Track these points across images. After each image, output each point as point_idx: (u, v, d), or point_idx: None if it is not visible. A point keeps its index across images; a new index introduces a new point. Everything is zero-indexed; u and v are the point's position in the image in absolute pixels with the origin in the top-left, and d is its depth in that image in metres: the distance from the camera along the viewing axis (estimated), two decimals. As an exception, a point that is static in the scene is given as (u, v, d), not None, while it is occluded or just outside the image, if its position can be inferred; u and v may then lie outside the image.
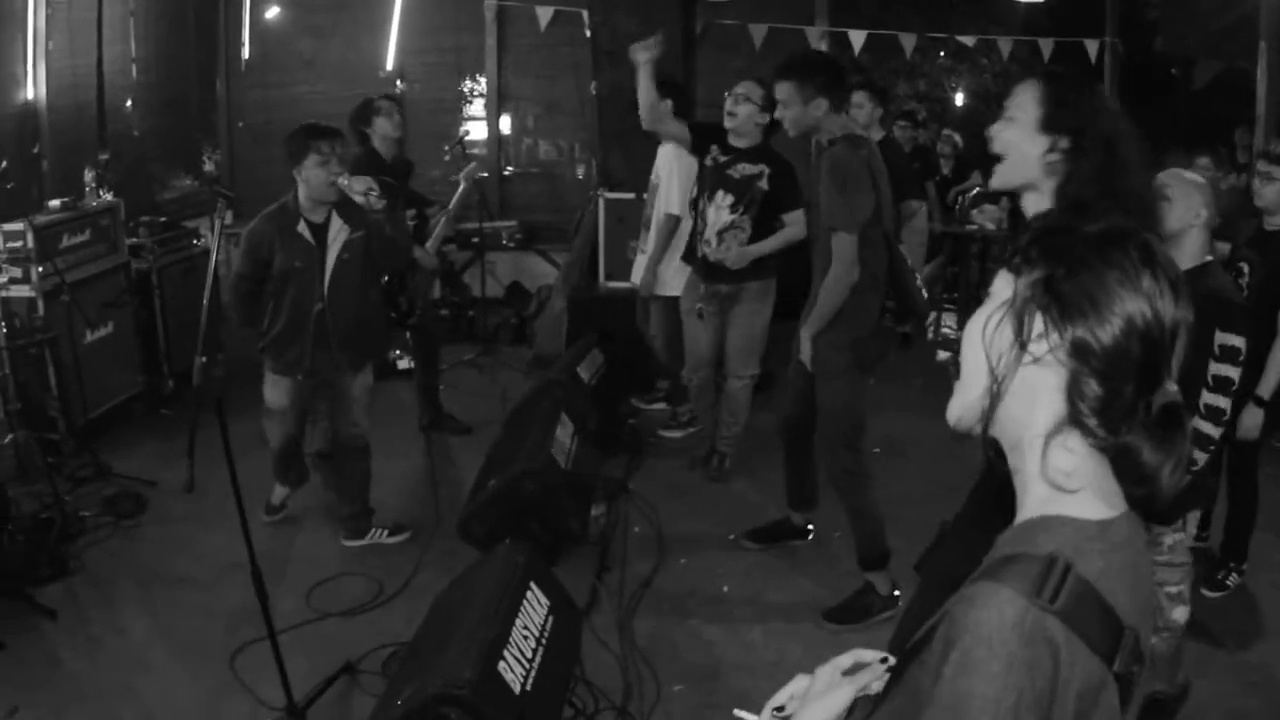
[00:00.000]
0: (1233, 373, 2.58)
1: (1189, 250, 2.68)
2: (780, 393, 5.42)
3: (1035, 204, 2.09)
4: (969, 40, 8.04)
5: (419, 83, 7.59)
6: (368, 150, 4.66)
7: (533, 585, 2.85)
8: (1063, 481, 0.99)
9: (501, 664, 2.47)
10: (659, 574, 3.85)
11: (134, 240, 5.40)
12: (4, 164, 5.05)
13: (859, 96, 5.83)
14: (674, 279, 4.93)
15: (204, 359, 2.58)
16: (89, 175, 5.15)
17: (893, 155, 4.61)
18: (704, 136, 4.43)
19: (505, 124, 7.99)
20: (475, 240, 6.92)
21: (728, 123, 4.33)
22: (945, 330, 7.41)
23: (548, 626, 2.79)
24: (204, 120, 7.34)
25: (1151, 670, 2.84)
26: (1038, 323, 1.00)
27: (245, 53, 7.36)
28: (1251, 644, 3.35)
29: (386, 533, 4.07)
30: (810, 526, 4.07)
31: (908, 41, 7.53)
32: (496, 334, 6.84)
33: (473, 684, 2.31)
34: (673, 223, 4.86)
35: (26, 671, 3.19)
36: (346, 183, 3.61)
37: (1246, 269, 3.35)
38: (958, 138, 8.05)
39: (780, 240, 4.40)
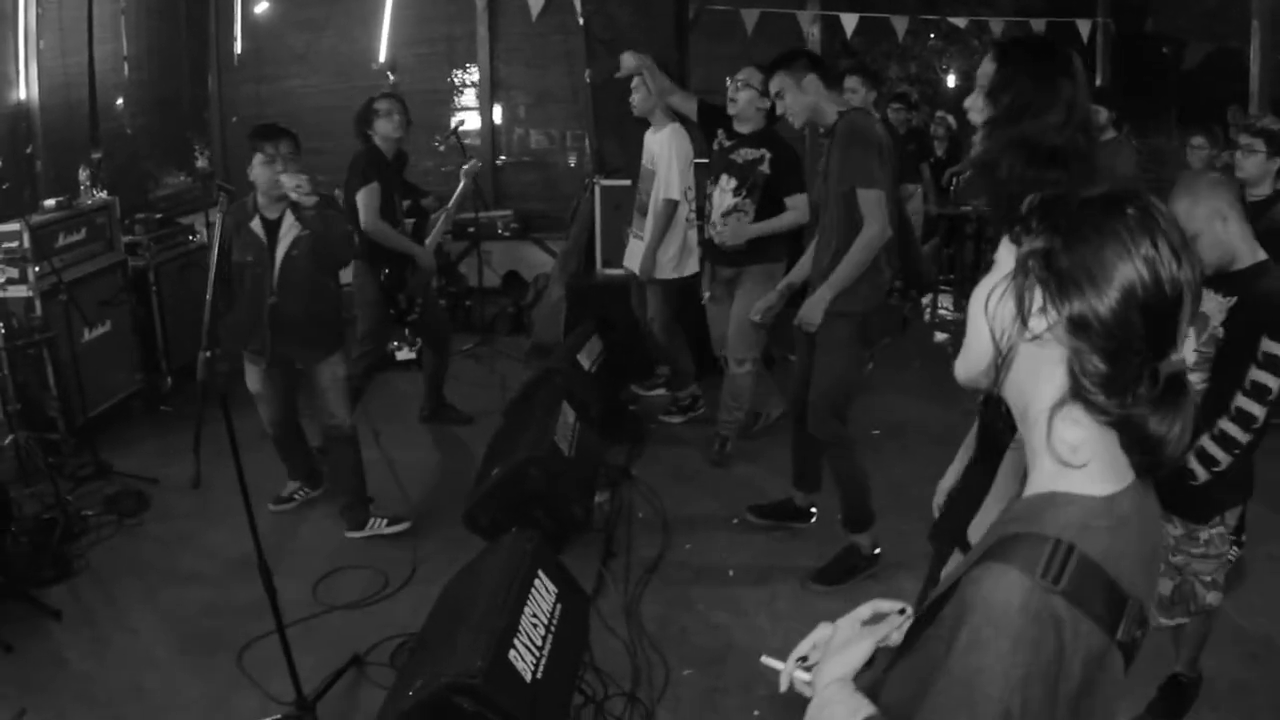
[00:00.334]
0: (1272, 383, 2.46)
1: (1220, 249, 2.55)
2: (782, 375, 5.44)
3: None
4: (961, 22, 8.03)
5: (411, 73, 7.55)
6: (369, 149, 4.68)
7: (540, 573, 2.86)
8: (1069, 456, 1.00)
9: (512, 652, 2.48)
10: (664, 559, 3.87)
11: (130, 238, 5.38)
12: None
13: (852, 81, 5.81)
14: (671, 263, 4.99)
15: (208, 354, 2.58)
16: (83, 174, 5.13)
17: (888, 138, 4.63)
18: (712, 118, 4.56)
19: (498, 114, 7.97)
20: (471, 230, 6.91)
21: (730, 109, 4.46)
22: (942, 311, 7.43)
23: (556, 614, 2.80)
24: (196, 116, 7.30)
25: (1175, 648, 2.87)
26: (1037, 297, 1.00)
27: (238, 47, 7.31)
28: (1251, 616, 3.37)
29: (385, 522, 4.08)
30: (814, 510, 4.08)
31: (900, 24, 7.51)
32: (494, 324, 6.84)
33: (485, 673, 2.32)
34: (671, 208, 4.88)
35: (34, 673, 3.19)
36: (282, 179, 3.66)
37: None
38: (951, 119, 8.03)
39: (780, 223, 4.46)
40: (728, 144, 4.49)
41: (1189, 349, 2.55)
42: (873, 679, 1.19)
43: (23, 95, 5.28)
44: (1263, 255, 2.57)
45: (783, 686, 1.32)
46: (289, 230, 3.79)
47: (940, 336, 6.95)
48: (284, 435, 4.17)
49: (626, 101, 4.98)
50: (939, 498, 2.43)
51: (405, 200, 4.91)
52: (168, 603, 3.61)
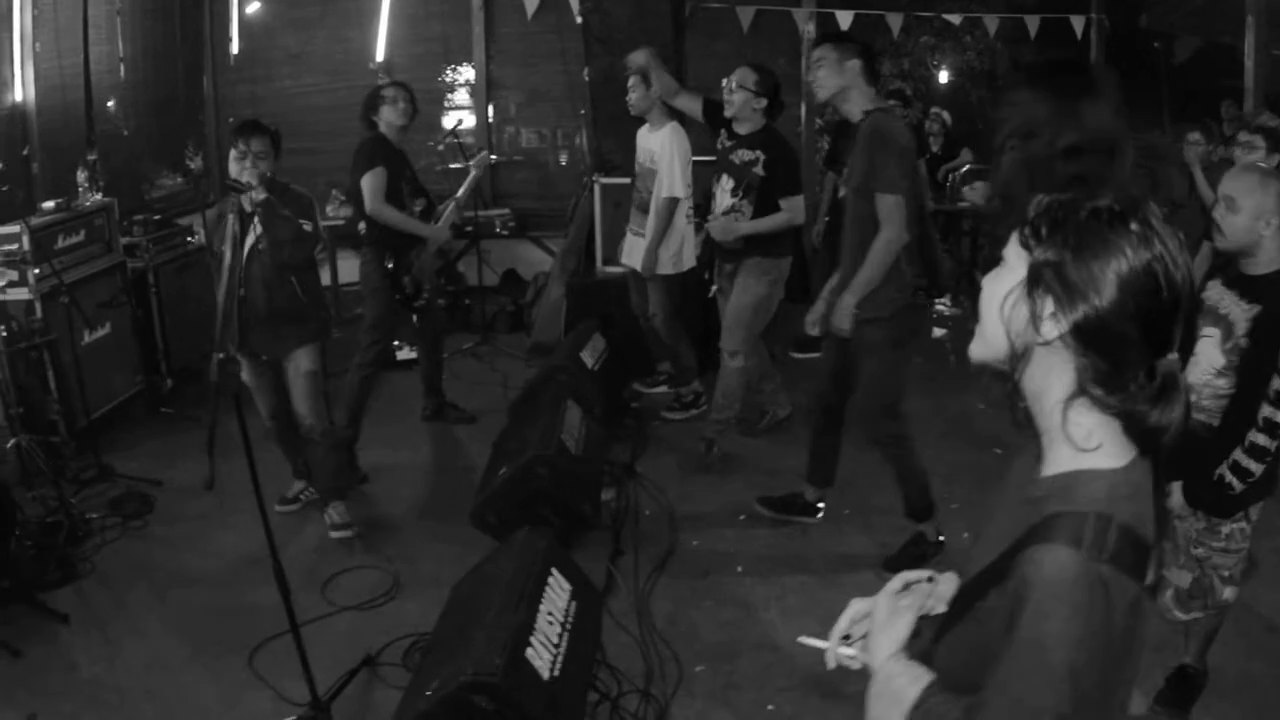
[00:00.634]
0: None
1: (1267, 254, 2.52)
2: (784, 373, 5.45)
3: None
4: (955, 18, 8.04)
5: (406, 73, 7.51)
6: (374, 138, 4.67)
7: (554, 571, 2.86)
8: (1083, 441, 1.14)
9: (529, 650, 2.49)
10: (672, 555, 3.87)
11: (128, 239, 5.36)
12: (0, 166, 5.00)
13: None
14: (672, 259, 5.02)
15: (221, 355, 2.57)
16: (82, 175, 5.11)
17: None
18: (716, 118, 4.56)
19: (493, 113, 7.96)
20: (469, 229, 6.90)
21: (727, 111, 4.45)
22: (939, 307, 7.44)
23: (571, 611, 2.80)
24: (192, 117, 7.27)
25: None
26: (1049, 304, 1.13)
27: (234, 47, 7.28)
28: (1259, 609, 3.39)
29: (333, 517, 4.01)
30: (821, 505, 4.10)
31: (894, 21, 7.52)
32: (494, 322, 6.83)
33: (503, 671, 2.32)
34: (672, 205, 4.91)
35: (43, 678, 3.17)
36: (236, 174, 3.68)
37: None
38: (946, 115, 8.06)
39: (772, 223, 4.44)
40: (728, 144, 4.52)
41: (1215, 351, 2.56)
42: (923, 648, 1.32)
43: (19, 97, 5.24)
44: None
45: (830, 664, 1.45)
46: (256, 226, 3.79)
47: (938, 332, 6.97)
48: (281, 428, 4.13)
49: (624, 100, 4.99)
50: None
51: (420, 198, 4.91)
52: (176, 605, 3.59)
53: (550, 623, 2.66)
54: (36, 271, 4.48)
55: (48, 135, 5.39)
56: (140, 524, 4.16)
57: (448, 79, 7.87)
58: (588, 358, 4.86)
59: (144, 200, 6.40)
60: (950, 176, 7.51)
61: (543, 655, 2.53)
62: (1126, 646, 1.11)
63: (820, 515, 4.10)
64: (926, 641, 1.32)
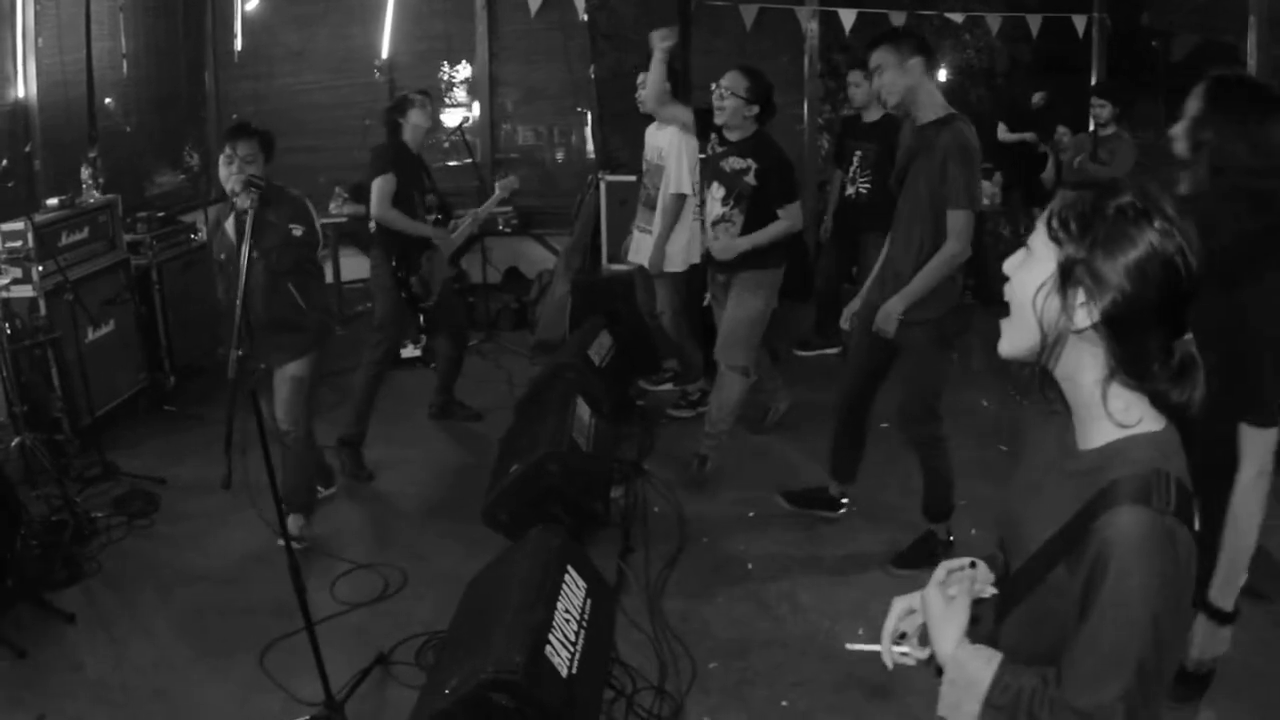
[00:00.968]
0: None
1: None
2: (786, 370, 5.44)
3: None
4: (958, 17, 8.04)
5: (408, 70, 7.51)
6: (393, 143, 4.69)
7: (570, 568, 2.84)
8: (1122, 416, 1.25)
9: (548, 648, 2.47)
10: (683, 553, 3.86)
11: (132, 236, 5.33)
12: (4, 163, 4.97)
13: (855, 76, 5.84)
14: (680, 256, 4.99)
15: (239, 351, 2.55)
16: (85, 172, 5.08)
17: (893, 133, 4.62)
18: (707, 124, 4.43)
19: (496, 110, 7.94)
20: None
21: (718, 118, 4.29)
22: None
23: (587, 609, 2.79)
24: (194, 114, 7.24)
25: None
26: (1080, 295, 1.22)
27: (238, 44, 7.24)
28: (1266, 603, 3.38)
29: (299, 523, 3.94)
30: (845, 501, 4.10)
31: (897, 19, 7.50)
32: (497, 320, 6.82)
33: (523, 668, 2.31)
34: (680, 202, 4.89)
35: (50, 677, 3.14)
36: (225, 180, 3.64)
37: None
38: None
39: (771, 234, 4.29)
40: (718, 150, 4.37)
41: None
42: (987, 631, 1.39)
43: (21, 93, 5.21)
44: None
45: (889, 665, 1.49)
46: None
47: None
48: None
49: (631, 97, 4.97)
50: None
51: (430, 195, 4.90)
52: (183, 604, 3.57)
53: (568, 620, 2.64)
54: (40, 269, 4.45)
55: (50, 132, 5.36)
56: (146, 523, 4.14)
57: (450, 77, 7.85)
58: (595, 355, 4.85)
59: (144, 197, 6.36)
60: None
61: (561, 653, 2.51)
62: (1189, 590, 1.22)
63: (843, 511, 4.09)
64: (989, 624, 1.38)
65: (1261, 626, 3.26)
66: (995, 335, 1.35)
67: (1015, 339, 1.31)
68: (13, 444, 4.18)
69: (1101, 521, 1.20)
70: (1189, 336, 1.24)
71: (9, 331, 4.27)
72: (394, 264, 4.65)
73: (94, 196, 5.11)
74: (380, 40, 7.52)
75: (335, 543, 3.99)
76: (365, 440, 4.64)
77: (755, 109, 4.22)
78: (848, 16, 7.28)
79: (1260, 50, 6.93)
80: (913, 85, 3.41)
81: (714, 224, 4.38)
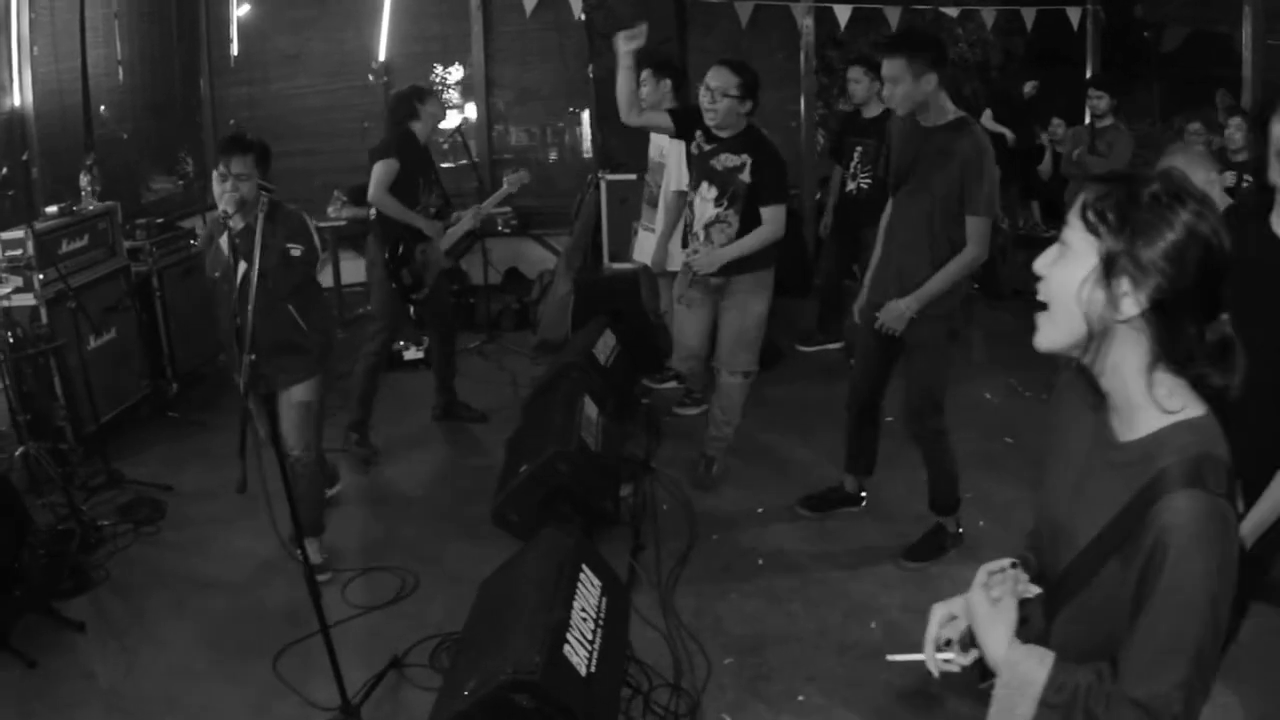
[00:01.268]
0: None
1: None
2: (788, 368, 5.45)
3: None
4: (953, 11, 8.05)
5: (404, 72, 7.49)
6: (402, 133, 4.69)
7: (585, 567, 2.84)
8: (1167, 403, 1.26)
9: (566, 647, 2.46)
10: (693, 550, 3.86)
11: (131, 243, 5.31)
12: (3, 171, 4.94)
13: (855, 72, 5.84)
14: (682, 254, 4.94)
15: (253, 357, 2.53)
16: (84, 180, 5.05)
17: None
18: (687, 122, 4.18)
19: (492, 111, 7.93)
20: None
21: (709, 119, 4.02)
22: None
23: (603, 608, 2.79)
24: (189, 120, 7.22)
25: None
26: (1124, 284, 1.23)
27: (234, 49, 7.22)
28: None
29: (315, 549, 3.75)
30: (864, 494, 4.12)
31: (892, 15, 7.52)
32: (499, 320, 6.81)
33: (543, 668, 2.30)
34: (682, 199, 4.86)
35: (61, 687, 3.12)
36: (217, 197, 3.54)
37: None
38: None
39: (756, 241, 4.06)
40: (707, 148, 4.10)
41: None
42: (1036, 632, 1.39)
43: (17, 101, 5.19)
44: None
45: (935, 674, 1.47)
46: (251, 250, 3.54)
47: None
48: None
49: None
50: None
51: (435, 190, 4.90)
52: (193, 611, 3.55)
53: (584, 619, 2.64)
54: (41, 277, 4.43)
55: (46, 140, 5.34)
56: (153, 530, 4.12)
57: (446, 78, 7.84)
58: (600, 354, 4.84)
59: (140, 204, 6.35)
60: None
61: (579, 652, 2.51)
62: (1237, 567, 1.24)
63: (864, 504, 4.12)
64: (1039, 623, 1.38)
65: (1268, 614, 3.26)
66: (997, 328, 1.36)
67: (1055, 334, 1.31)
68: (17, 453, 4.16)
69: (1158, 508, 1.21)
70: (1225, 316, 1.25)
71: (11, 340, 4.25)
72: (387, 255, 4.64)
73: (93, 204, 5.09)
74: (375, 43, 7.51)
75: (345, 546, 3.98)
76: (369, 424, 4.78)
77: (749, 105, 4.01)
78: (843, 12, 7.29)
79: (1255, 40, 6.95)
80: (922, 98, 3.41)
81: (707, 226, 4.16)
